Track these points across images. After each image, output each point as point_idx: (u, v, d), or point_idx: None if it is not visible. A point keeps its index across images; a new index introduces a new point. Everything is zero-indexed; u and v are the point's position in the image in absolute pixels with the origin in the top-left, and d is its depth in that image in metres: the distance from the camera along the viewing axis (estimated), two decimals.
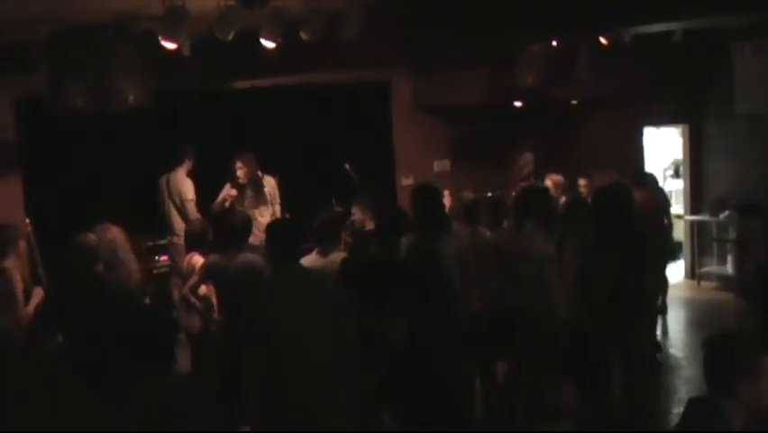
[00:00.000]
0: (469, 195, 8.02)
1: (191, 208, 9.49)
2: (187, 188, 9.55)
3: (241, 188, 9.80)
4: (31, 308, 6.78)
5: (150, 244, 9.99)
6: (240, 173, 9.73)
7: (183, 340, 8.39)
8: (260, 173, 9.86)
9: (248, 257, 6.97)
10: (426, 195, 7.25)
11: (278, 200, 10.04)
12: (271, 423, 5.13)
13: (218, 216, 9.23)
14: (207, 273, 7.13)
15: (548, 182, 10.21)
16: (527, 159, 11.41)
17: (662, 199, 10.66)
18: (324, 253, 6.62)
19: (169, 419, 3.85)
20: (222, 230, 7.49)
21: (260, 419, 5.24)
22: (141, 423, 3.76)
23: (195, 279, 7.25)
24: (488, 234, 7.43)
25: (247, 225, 7.41)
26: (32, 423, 2.92)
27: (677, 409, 7.57)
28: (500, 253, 6.99)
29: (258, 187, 9.86)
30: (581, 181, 10.45)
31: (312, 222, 6.88)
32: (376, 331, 5.63)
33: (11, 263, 6.78)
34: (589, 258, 6.86)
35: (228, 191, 9.71)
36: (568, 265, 7.02)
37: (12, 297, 6.60)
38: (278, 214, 9.93)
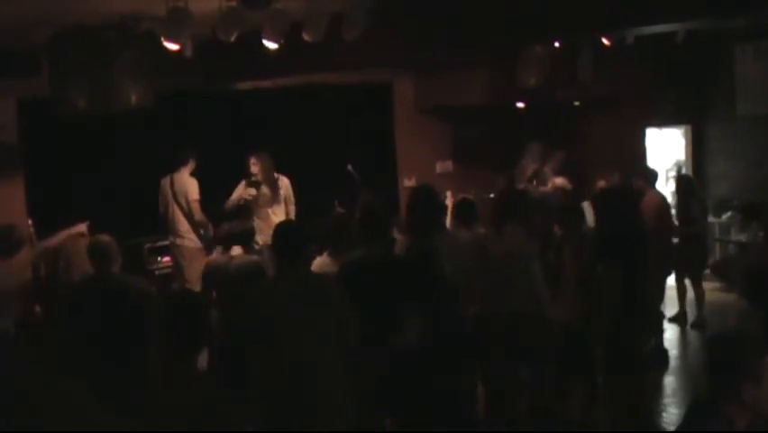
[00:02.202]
0: (470, 197, 7.97)
1: (196, 208, 9.48)
2: (193, 189, 9.54)
3: (256, 185, 9.82)
4: (36, 309, 6.80)
5: (149, 245, 10.00)
6: (254, 169, 9.78)
7: None
8: (275, 174, 9.92)
9: (248, 258, 6.97)
10: (419, 195, 7.20)
11: (292, 200, 10.12)
12: (273, 424, 5.13)
13: (231, 215, 9.25)
14: (207, 274, 7.13)
15: (550, 185, 10.19)
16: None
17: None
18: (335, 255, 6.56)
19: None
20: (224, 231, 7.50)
21: (262, 420, 5.24)
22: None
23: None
24: (478, 234, 7.38)
25: (249, 226, 7.42)
26: (33, 423, 2.92)
27: (679, 411, 7.57)
28: (486, 254, 6.96)
29: (274, 185, 9.90)
30: (601, 182, 10.42)
31: (317, 223, 6.88)
32: (378, 332, 5.64)
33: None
34: (589, 259, 6.88)
35: (245, 191, 9.72)
36: (567, 267, 7.00)
37: (16, 298, 6.61)
38: (292, 214, 10.00)
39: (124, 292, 6.09)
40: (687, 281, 10.49)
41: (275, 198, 9.92)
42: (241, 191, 9.72)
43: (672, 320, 10.39)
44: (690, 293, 10.47)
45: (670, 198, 10.42)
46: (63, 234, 7.24)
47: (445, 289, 5.96)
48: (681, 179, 11.07)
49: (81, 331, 5.96)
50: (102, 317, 5.89)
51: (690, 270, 10.34)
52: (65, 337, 6.24)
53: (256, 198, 9.76)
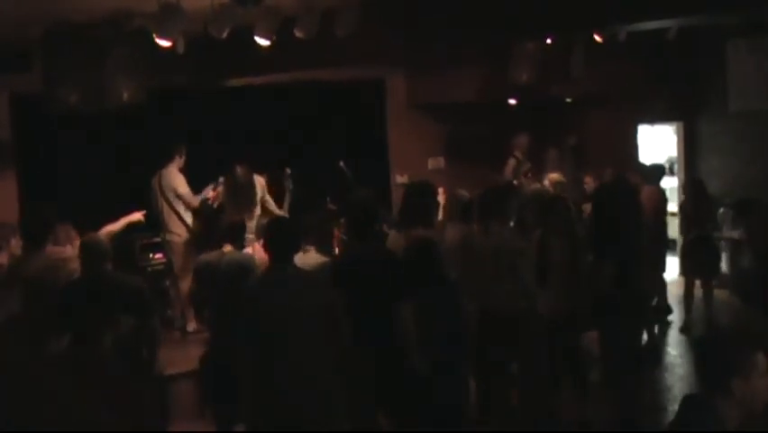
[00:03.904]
0: (464, 193, 7.96)
1: (189, 199, 9.44)
2: (180, 182, 9.50)
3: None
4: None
5: (142, 242, 9.97)
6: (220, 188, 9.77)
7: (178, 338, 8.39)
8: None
9: (238, 255, 6.95)
10: (413, 191, 7.19)
11: (267, 198, 10.07)
12: (265, 422, 5.13)
13: (209, 215, 9.28)
14: (198, 270, 7.13)
15: (546, 181, 10.19)
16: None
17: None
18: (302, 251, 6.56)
19: None
20: (214, 229, 7.53)
21: (254, 419, 5.23)
22: None
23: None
24: (470, 230, 7.36)
25: (240, 223, 7.41)
26: (32, 422, 2.92)
27: (672, 407, 7.59)
28: (473, 251, 6.95)
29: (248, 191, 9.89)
30: (586, 178, 10.42)
31: (304, 219, 6.88)
32: (372, 329, 5.63)
33: (3, 260, 6.78)
34: (578, 255, 6.88)
35: (209, 192, 9.75)
36: (553, 264, 6.99)
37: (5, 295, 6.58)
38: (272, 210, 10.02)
39: (117, 291, 6.07)
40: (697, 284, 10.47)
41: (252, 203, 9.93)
42: (212, 193, 9.75)
43: (683, 331, 10.27)
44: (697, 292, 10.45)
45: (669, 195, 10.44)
46: (123, 221, 7.68)
47: (443, 284, 5.94)
48: (692, 182, 11.08)
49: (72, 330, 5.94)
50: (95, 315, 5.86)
51: (702, 271, 10.30)
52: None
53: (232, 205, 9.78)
